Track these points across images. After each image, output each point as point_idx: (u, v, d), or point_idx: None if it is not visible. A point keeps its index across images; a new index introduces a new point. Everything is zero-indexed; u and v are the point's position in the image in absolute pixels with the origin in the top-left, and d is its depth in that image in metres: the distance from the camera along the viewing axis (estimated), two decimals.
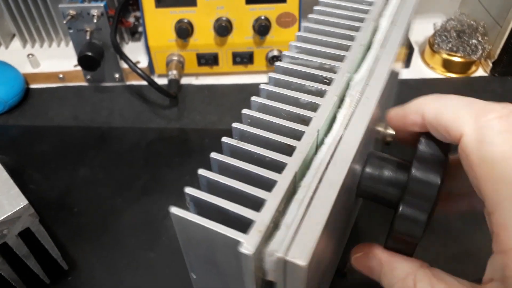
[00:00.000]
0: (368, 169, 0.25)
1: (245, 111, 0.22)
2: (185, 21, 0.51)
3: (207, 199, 0.18)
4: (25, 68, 0.56)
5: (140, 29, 0.61)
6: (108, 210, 0.42)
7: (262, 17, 0.52)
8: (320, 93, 0.23)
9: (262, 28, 0.51)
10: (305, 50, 0.26)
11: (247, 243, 0.16)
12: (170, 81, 0.52)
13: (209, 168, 0.20)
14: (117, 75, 0.56)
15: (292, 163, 0.19)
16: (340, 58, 0.25)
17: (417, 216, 0.22)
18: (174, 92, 0.51)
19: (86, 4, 0.50)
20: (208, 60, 0.54)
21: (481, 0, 0.58)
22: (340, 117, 0.23)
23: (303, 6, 0.52)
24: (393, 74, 0.29)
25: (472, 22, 0.55)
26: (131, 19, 0.59)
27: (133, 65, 0.48)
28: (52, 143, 0.49)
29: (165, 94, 0.50)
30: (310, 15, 0.29)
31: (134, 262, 0.38)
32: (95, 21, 0.50)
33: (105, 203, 0.43)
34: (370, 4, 0.29)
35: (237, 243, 0.16)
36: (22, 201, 0.31)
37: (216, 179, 0.19)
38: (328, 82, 0.24)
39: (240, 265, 0.17)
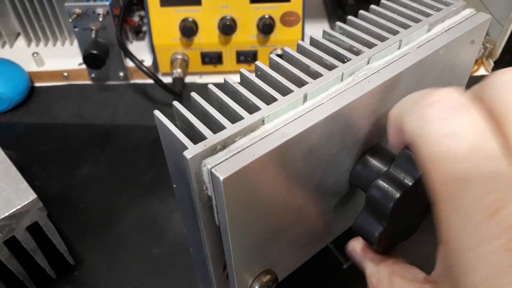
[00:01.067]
0: (366, 156, 0.26)
1: (258, 63, 0.25)
2: (190, 20, 0.52)
3: (183, 113, 0.22)
4: (30, 66, 0.56)
5: (144, 28, 0.61)
6: (113, 207, 0.43)
7: (266, 16, 0.52)
8: (332, 68, 0.25)
9: (266, 27, 0.52)
10: (346, 32, 0.28)
11: (191, 149, 0.20)
12: (174, 79, 0.52)
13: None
14: (121, 74, 0.56)
15: (265, 110, 0.22)
16: (370, 45, 0.26)
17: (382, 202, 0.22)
18: (179, 90, 0.51)
19: (91, 3, 0.50)
20: (212, 58, 0.55)
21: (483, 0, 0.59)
22: (332, 89, 0.24)
23: (306, 5, 0.53)
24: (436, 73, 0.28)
25: None
26: (136, 18, 0.59)
27: (139, 63, 0.48)
28: (57, 141, 0.50)
29: (170, 92, 0.50)
30: (373, 6, 0.30)
31: (139, 257, 0.39)
32: (100, 19, 0.50)
33: (110, 199, 0.43)
34: (438, 10, 0.29)
35: (185, 148, 0.20)
36: (31, 195, 0.31)
37: (200, 102, 0.23)
38: (347, 61, 0.25)
39: (186, 170, 0.20)
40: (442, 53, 0.27)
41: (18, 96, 0.52)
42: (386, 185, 0.22)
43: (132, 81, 0.57)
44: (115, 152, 0.48)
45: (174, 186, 0.26)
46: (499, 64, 0.55)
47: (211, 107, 0.23)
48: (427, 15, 0.28)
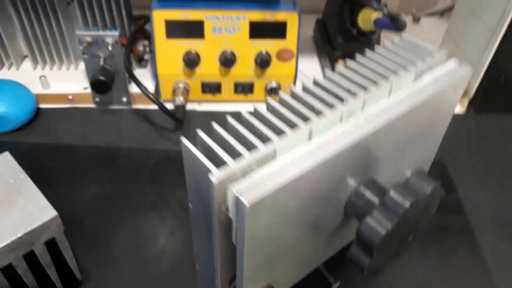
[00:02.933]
0: (360, 188, 0.29)
1: (269, 99, 0.29)
2: (193, 52, 0.56)
3: (206, 141, 0.26)
4: (36, 88, 0.59)
5: (147, 56, 0.65)
6: (117, 225, 0.45)
7: (264, 52, 0.56)
8: (332, 107, 0.29)
9: (263, 62, 0.56)
10: (344, 75, 0.32)
11: (215, 173, 0.23)
12: (176, 106, 0.56)
13: None
14: (124, 99, 0.59)
15: (277, 142, 0.25)
16: (365, 89, 0.30)
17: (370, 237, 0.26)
18: (181, 117, 0.54)
19: (101, 32, 0.54)
20: (211, 88, 0.58)
21: (458, 42, 0.65)
22: (338, 128, 0.28)
23: (300, 43, 0.57)
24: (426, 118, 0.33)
25: None
26: (140, 47, 0.63)
27: (145, 90, 0.51)
28: (62, 160, 0.52)
29: (173, 118, 0.54)
30: (368, 52, 0.34)
31: (144, 274, 0.41)
32: (110, 48, 0.53)
33: (115, 218, 0.46)
34: (423, 59, 0.32)
35: (209, 171, 0.23)
36: (51, 212, 0.34)
37: (221, 133, 0.27)
38: (346, 102, 0.29)
39: (209, 192, 0.23)
40: (431, 100, 0.31)
41: (25, 116, 0.55)
42: (374, 223, 0.26)
43: (134, 106, 0.60)
44: (118, 172, 0.51)
45: (190, 205, 0.29)
46: (474, 102, 0.61)
47: (231, 136, 0.26)
48: (414, 63, 0.32)
